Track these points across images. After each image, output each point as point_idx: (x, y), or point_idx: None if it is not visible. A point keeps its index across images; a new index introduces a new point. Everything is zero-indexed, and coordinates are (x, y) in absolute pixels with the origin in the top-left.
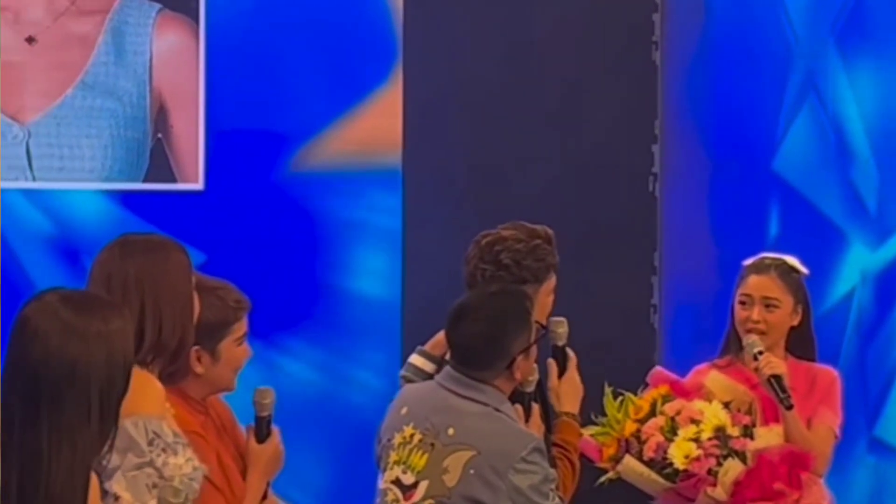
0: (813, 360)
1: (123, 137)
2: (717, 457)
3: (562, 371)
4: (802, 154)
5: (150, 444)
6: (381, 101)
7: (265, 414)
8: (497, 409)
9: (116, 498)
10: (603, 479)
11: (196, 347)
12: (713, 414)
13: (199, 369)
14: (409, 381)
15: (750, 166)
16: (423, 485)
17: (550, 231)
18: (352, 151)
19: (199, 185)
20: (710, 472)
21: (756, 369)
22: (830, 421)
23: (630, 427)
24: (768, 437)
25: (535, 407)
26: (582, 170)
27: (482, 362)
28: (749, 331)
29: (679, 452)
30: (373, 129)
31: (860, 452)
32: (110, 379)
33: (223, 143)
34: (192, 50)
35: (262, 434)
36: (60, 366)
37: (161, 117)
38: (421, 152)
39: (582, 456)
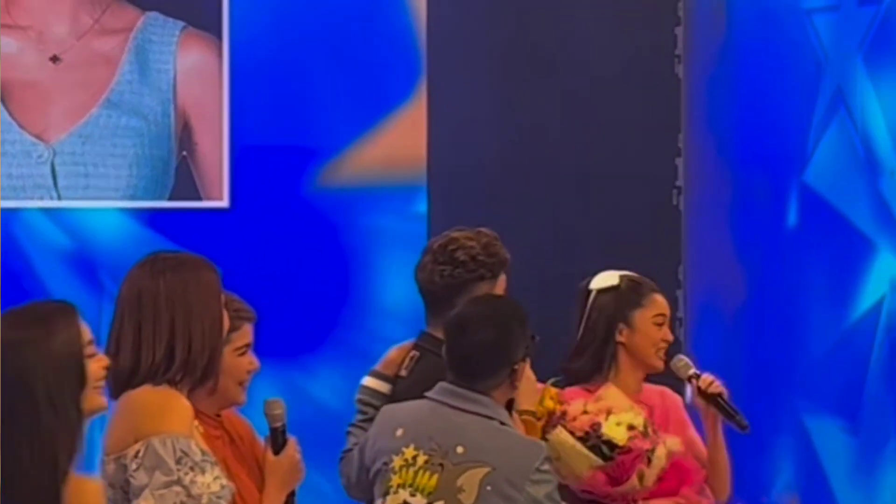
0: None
1: (148, 156)
2: (650, 444)
3: None
4: (832, 166)
5: (178, 462)
6: (405, 116)
7: (278, 425)
8: (502, 423)
9: None
10: None
11: None
12: (626, 410)
13: None
14: (366, 403)
15: (775, 179)
16: None
17: (494, 233)
18: (377, 167)
19: (224, 203)
20: (648, 451)
21: (698, 388)
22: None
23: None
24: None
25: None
26: (606, 183)
27: (487, 371)
28: (660, 351)
29: (614, 431)
30: (398, 144)
31: (890, 458)
32: (56, 373)
33: (248, 161)
34: (216, 67)
35: (277, 445)
36: (9, 381)
37: (186, 135)
38: (445, 167)
39: None
